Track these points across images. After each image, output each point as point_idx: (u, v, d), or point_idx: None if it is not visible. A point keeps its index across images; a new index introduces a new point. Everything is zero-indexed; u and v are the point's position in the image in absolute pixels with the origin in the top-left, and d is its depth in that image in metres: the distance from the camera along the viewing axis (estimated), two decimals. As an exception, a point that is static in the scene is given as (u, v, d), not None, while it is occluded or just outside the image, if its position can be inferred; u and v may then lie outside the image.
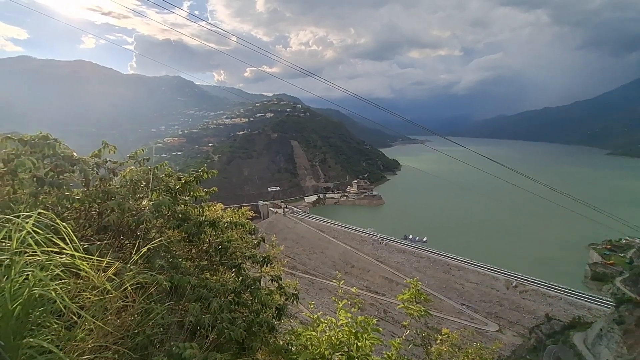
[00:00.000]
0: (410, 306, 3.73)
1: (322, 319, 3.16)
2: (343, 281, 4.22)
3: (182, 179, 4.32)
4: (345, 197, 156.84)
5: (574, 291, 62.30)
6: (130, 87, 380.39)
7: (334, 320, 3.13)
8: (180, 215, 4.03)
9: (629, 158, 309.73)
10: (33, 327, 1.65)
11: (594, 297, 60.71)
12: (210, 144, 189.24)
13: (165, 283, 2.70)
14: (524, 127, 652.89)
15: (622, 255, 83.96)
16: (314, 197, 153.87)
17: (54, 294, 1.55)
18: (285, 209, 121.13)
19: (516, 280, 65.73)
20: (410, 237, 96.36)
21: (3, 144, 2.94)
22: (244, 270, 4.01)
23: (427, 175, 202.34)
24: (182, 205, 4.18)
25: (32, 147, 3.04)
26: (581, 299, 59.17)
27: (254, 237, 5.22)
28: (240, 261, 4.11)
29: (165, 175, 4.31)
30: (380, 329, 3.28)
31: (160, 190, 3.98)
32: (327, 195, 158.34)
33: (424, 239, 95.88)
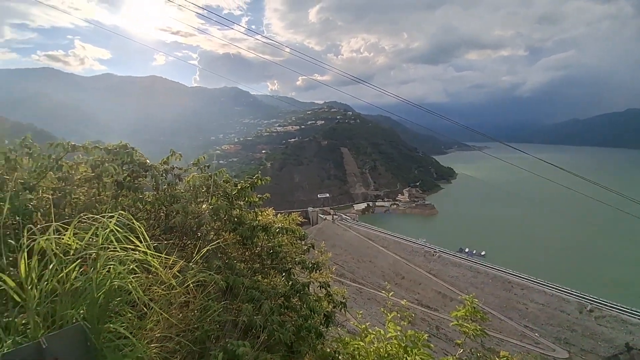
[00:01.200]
0: (465, 324, 3.50)
1: (370, 330, 3.12)
2: (392, 292, 4.12)
3: (238, 185, 4.59)
4: (395, 206, 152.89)
5: (666, 321, 53.58)
6: (194, 99, 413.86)
7: (382, 332, 3.07)
8: (235, 219, 4.28)
9: None
10: (111, 315, 1.87)
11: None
12: (263, 151, 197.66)
13: (221, 283, 2.88)
14: (601, 131, 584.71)
15: None
16: (363, 205, 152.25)
17: (130, 286, 1.76)
18: (334, 216, 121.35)
19: (591, 304, 58.25)
20: (467, 250, 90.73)
21: (92, 152, 3.40)
22: (294, 275, 4.11)
23: (485, 184, 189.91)
24: (238, 210, 4.44)
25: (114, 155, 3.47)
26: (672, 330, 50.70)
27: (303, 243, 5.35)
28: (290, 266, 4.23)
29: (224, 181, 4.62)
30: (432, 345, 3.14)
31: (219, 195, 4.27)
32: (376, 203, 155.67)
33: (482, 253, 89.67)
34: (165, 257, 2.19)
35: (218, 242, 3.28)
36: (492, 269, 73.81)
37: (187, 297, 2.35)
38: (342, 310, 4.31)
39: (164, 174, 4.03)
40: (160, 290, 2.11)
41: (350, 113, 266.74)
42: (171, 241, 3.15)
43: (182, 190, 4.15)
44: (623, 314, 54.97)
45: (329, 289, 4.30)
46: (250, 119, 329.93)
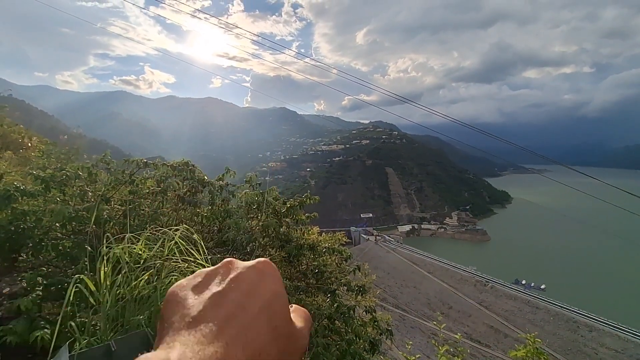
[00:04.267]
0: (527, 367, 3.13)
1: (420, 363, 2.93)
2: (444, 325, 3.85)
3: (288, 203, 4.70)
4: (443, 230, 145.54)
5: None
6: (244, 118, 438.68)
7: (434, 366, 2.86)
8: (283, 237, 4.37)
9: None
10: (170, 323, 1.97)
11: None
12: (308, 169, 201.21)
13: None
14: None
15: None
16: (408, 227, 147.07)
17: (189, 298, 1.85)
18: (377, 237, 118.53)
19: (679, 355, 49.68)
20: (524, 282, 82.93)
21: (160, 169, 3.72)
22: (339, 297, 4.05)
23: (546, 210, 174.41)
24: (285, 228, 4.53)
25: (178, 171, 3.76)
26: None
27: (347, 264, 5.27)
28: (335, 287, 4.18)
29: (273, 199, 4.76)
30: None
31: (268, 213, 4.40)
32: (422, 226, 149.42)
33: (542, 287, 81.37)
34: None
35: (266, 259, 3.35)
36: (555, 305, 66.36)
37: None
38: (387, 338, 4.14)
39: (219, 190, 4.26)
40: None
41: (396, 133, 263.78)
42: (223, 255, 3.28)
43: (234, 206, 4.34)
44: None
45: (374, 314, 4.16)
46: (296, 137, 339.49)
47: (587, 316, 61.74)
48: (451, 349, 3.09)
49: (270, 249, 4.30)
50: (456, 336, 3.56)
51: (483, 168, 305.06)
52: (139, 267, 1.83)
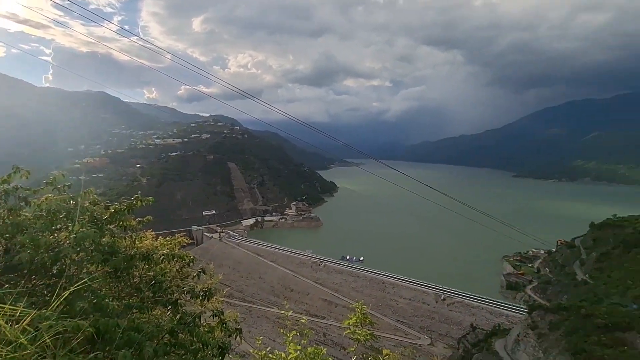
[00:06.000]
0: (357, 331, 3.74)
1: (270, 355, 3.02)
2: (291, 311, 4.11)
3: (112, 207, 3.93)
4: (283, 220, 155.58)
5: (493, 300, 68.44)
6: (46, 102, 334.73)
7: (283, 355, 3.01)
8: (107, 248, 3.63)
9: (531, 180, 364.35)
10: None
11: (510, 305, 67.06)
12: (138, 165, 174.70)
13: (89, 329, 2.38)
14: (445, 152, 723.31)
15: (530, 265, 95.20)
16: (251, 220, 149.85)
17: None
18: (222, 234, 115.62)
19: (444, 293, 70.20)
20: (348, 257, 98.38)
21: None
22: (181, 307, 3.71)
23: (362, 196, 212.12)
24: (109, 237, 3.77)
25: None
26: (499, 308, 64.91)
27: (191, 268, 4.89)
28: (177, 296, 3.81)
29: (90, 203, 3.88)
30: (330, 358, 3.25)
31: (85, 221, 3.55)
32: (265, 218, 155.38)
33: (361, 259, 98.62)
34: (10, 308, 1.70)
35: (85, 281, 2.70)
36: (369, 272, 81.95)
37: (42, 355, 1.86)
38: (236, 337, 4.09)
39: (3, 197, 3.16)
40: (3, 352, 1.61)
41: (238, 128, 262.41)
42: (16, 284, 2.46)
43: (30, 217, 3.31)
44: (467, 299, 67.95)
45: (222, 316, 4.03)
46: (121, 128, 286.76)
47: (391, 276, 78.90)
48: (297, 334, 3.34)
49: (88, 266, 3.51)
50: (302, 320, 3.88)
51: (315, 162, 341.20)
52: None
